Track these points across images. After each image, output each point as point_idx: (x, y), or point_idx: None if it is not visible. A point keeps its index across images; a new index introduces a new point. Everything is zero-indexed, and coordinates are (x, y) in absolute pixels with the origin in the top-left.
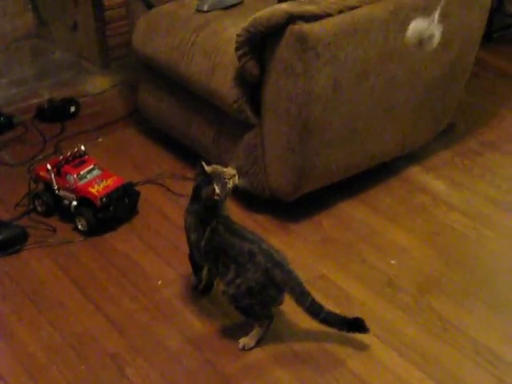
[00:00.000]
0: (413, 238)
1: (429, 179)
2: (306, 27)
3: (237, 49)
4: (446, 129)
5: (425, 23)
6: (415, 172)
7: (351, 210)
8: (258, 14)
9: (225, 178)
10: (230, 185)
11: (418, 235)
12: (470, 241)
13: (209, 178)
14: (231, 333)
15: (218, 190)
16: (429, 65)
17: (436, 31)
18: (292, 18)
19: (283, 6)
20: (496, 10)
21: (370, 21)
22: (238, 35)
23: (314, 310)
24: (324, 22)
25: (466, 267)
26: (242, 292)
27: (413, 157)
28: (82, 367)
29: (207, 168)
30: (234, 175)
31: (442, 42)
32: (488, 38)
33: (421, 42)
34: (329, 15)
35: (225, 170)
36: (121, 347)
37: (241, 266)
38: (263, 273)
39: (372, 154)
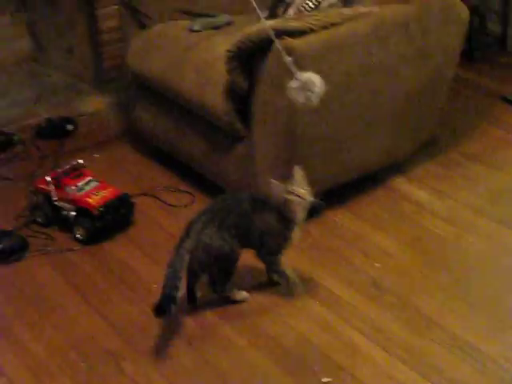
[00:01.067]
0: (397, 243)
1: (413, 188)
2: (291, 42)
3: (227, 63)
4: (429, 141)
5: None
6: (400, 182)
7: (338, 218)
8: (247, 30)
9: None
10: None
11: (402, 240)
12: (451, 244)
13: None
14: (222, 328)
15: None
16: (409, 79)
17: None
18: (278, 34)
19: (270, 22)
20: (477, 30)
21: (352, 36)
22: (228, 50)
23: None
24: (308, 37)
25: (446, 269)
26: None
27: (398, 168)
28: (82, 364)
29: None
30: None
31: (422, 56)
32: (469, 58)
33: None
34: (313, 31)
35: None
36: (119, 345)
37: None
38: None
39: (357, 165)
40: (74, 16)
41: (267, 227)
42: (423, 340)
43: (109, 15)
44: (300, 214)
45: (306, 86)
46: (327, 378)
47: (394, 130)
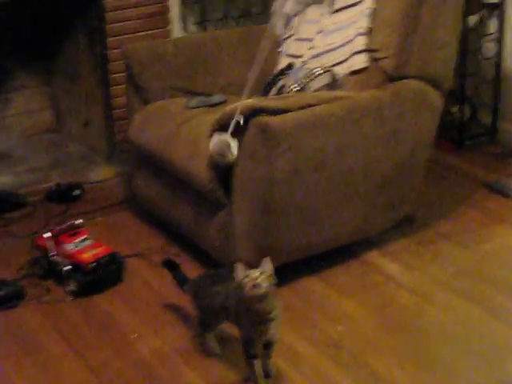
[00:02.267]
0: (362, 310)
1: (385, 262)
2: (268, 119)
3: (209, 137)
4: (406, 219)
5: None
6: (373, 255)
7: (310, 285)
8: (228, 108)
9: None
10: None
11: (367, 307)
12: (412, 313)
13: None
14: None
15: None
16: (382, 160)
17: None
18: (256, 112)
19: (250, 101)
20: (469, 120)
21: (327, 117)
22: (211, 125)
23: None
24: (285, 116)
25: (404, 334)
26: None
27: (373, 242)
28: None
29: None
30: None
31: (395, 139)
32: (460, 146)
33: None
34: (290, 110)
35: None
36: None
37: None
38: None
39: (331, 237)
40: (92, 92)
41: (238, 312)
42: None
43: (121, 92)
44: (257, 304)
45: (223, 148)
46: None
47: (367, 207)
